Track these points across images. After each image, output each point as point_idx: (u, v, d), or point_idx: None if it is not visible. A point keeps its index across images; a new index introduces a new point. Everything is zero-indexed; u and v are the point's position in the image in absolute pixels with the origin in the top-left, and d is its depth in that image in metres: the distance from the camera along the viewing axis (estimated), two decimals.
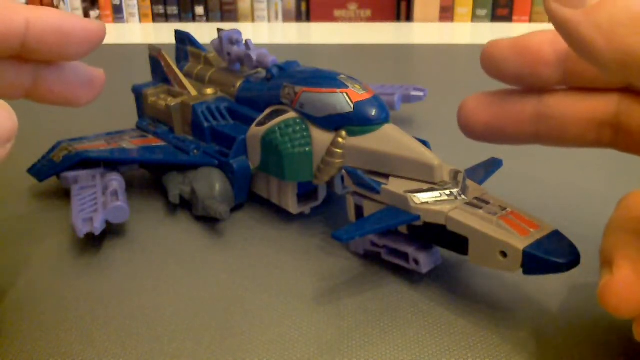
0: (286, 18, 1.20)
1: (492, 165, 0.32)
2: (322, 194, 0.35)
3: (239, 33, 0.40)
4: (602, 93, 0.25)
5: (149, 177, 0.40)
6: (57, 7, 1.16)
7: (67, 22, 0.24)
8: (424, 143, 0.30)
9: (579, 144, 0.26)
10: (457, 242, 0.26)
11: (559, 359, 0.24)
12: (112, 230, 0.34)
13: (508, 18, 1.13)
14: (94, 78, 0.26)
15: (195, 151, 0.37)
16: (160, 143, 0.40)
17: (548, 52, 0.24)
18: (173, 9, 1.19)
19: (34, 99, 0.26)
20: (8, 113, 0.22)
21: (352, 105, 0.31)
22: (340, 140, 0.31)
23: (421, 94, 0.51)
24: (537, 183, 0.39)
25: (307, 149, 0.32)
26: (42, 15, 0.23)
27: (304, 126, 0.32)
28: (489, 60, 0.26)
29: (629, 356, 0.24)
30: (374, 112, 0.30)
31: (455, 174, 0.28)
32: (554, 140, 0.26)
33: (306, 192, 0.35)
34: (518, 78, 0.25)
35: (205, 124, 0.37)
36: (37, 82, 0.25)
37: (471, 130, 0.27)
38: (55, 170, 0.37)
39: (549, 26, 0.21)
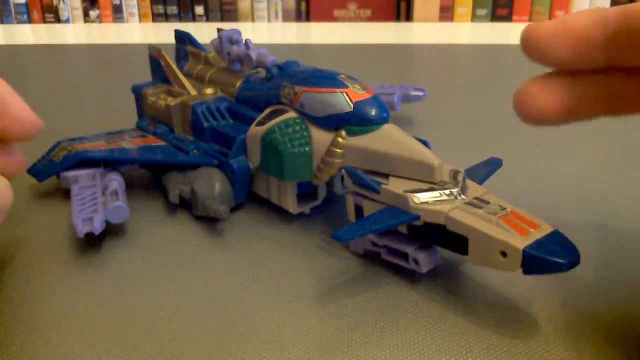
0: (286, 18, 1.20)
1: (492, 165, 0.32)
2: (322, 194, 0.35)
3: (239, 33, 0.40)
4: None
5: (149, 177, 0.40)
6: (57, 8, 1.16)
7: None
8: (424, 143, 0.30)
9: None
10: (457, 242, 0.26)
11: (559, 358, 0.24)
12: (112, 230, 0.34)
13: (508, 18, 1.13)
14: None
15: (195, 151, 0.37)
16: (160, 143, 0.40)
17: (596, 35, 0.24)
18: (173, 9, 1.19)
19: None
20: (7, 188, 0.25)
21: (352, 105, 0.31)
22: (340, 140, 0.31)
23: (421, 94, 0.51)
24: (538, 183, 0.39)
25: (307, 149, 0.32)
26: None
27: (304, 126, 0.32)
28: (533, 45, 0.25)
29: (631, 355, 0.24)
30: (374, 112, 0.30)
31: (455, 174, 0.28)
32: (628, 114, 0.27)
33: (306, 192, 0.35)
34: (564, 62, 0.25)
35: (205, 124, 0.37)
36: None
37: (538, 117, 0.26)
38: (55, 171, 0.37)
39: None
